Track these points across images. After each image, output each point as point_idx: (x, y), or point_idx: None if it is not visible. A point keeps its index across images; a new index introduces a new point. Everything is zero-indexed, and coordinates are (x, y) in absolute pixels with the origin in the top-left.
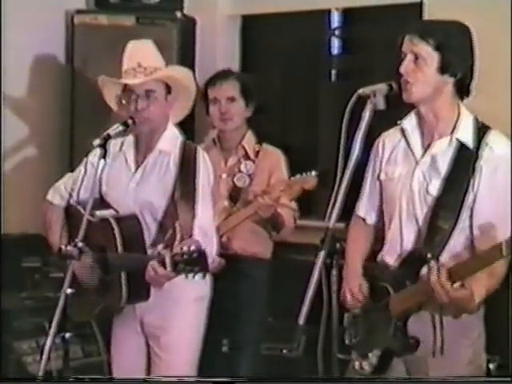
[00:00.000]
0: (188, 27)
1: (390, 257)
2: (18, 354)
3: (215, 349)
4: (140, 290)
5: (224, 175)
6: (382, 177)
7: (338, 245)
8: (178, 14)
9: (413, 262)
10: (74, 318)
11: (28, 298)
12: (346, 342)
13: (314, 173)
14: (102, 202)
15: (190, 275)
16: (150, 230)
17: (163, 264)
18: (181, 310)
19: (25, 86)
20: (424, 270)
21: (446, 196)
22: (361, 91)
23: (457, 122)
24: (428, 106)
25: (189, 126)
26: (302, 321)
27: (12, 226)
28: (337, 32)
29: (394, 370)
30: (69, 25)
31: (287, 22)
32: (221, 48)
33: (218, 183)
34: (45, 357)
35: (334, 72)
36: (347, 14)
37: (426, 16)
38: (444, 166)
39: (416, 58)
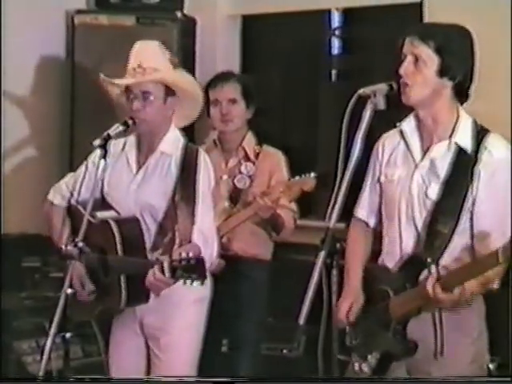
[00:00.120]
0: (188, 27)
1: (389, 260)
2: (18, 354)
3: (215, 349)
4: (139, 293)
5: (224, 176)
6: (382, 179)
7: (338, 245)
8: (178, 14)
9: (413, 265)
10: (74, 317)
11: (28, 297)
12: (347, 343)
13: (312, 174)
14: (103, 203)
15: (188, 281)
16: (150, 232)
17: (162, 270)
18: (180, 312)
19: (25, 86)
20: (424, 274)
21: (445, 200)
22: (361, 91)
23: (455, 125)
24: (427, 110)
25: (188, 127)
26: (302, 321)
27: (12, 225)
28: (337, 32)
29: (396, 371)
30: (69, 25)
31: (287, 21)
32: (221, 48)
33: (219, 184)
34: (45, 357)
35: (334, 72)
36: (347, 14)
37: (426, 16)
38: (443, 169)
39: (416, 60)
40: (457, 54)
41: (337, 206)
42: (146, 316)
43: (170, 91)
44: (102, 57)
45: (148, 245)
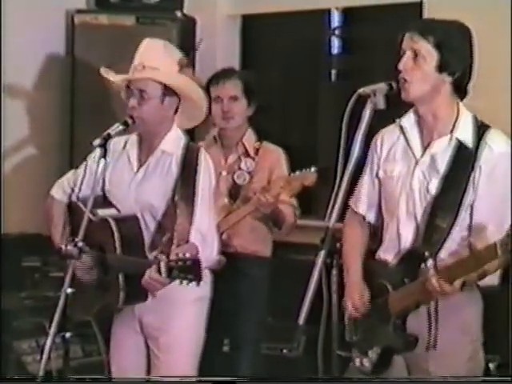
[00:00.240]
0: (188, 27)
1: (388, 254)
2: (17, 354)
3: (215, 348)
4: (138, 292)
5: (224, 173)
6: (381, 175)
7: (338, 244)
8: (178, 14)
9: (411, 259)
10: (74, 315)
11: (28, 297)
12: (347, 338)
13: (313, 169)
14: (104, 200)
15: (185, 282)
16: (149, 231)
17: (159, 270)
18: (180, 311)
19: (25, 85)
20: (422, 268)
21: (444, 195)
22: (361, 91)
23: (456, 121)
24: (426, 106)
25: None
26: (301, 321)
27: (12, 225)
28: (337, 32)
29: (394, 365)
30: (69, 24)
31: (287, 21)
32: (221, 48)
33: (218, 181)
34: (45, 356)
35: (333, 72)
36: (347, 13)
37: (426, 15)
38: (443, 164)
39: (415, 55)
40: (456, 49)
41: (336, 206)
42: (144, 315)
43: (168, 91)
44: (102, 56)
45: (147, 244)
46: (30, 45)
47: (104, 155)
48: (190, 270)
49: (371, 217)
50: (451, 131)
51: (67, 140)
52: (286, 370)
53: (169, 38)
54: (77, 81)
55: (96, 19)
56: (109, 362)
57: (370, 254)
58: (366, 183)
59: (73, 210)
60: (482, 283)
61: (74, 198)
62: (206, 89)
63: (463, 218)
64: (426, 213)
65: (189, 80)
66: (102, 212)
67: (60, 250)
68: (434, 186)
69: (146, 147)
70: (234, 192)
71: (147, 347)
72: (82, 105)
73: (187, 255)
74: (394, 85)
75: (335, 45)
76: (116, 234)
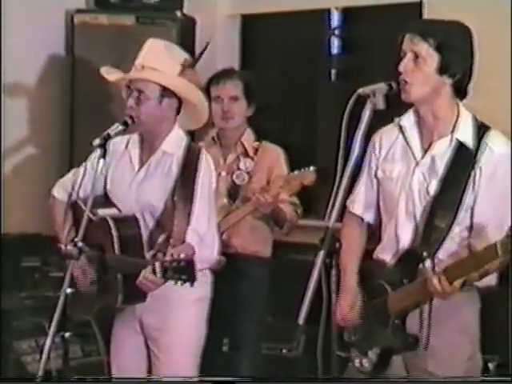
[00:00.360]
0: (188, 27)
1: (386, 254)
2: (17, 354)
3: (215, 348)
4: (136, 292)
5: (223, 173)
6: (380, 175)
7: (337, 244)
8: (178, 14)
9: (409, 259)
10: (73, 315)
11: (28, 297)
12: (345, 339)
13: (312, 168)
14: (106, 200)
15: (179, 282)
16: (149, 230)
17: (154, 270)
18: (180, 312)
19: (25, 85)
20: (420, 268)
21: (444, 195)
22: (360, 91)
23: (456, 121)
24: (427, 107)
25: None
26: (301, 320)
27: (12, 225)
28: (336, 31)
29: (392, 365)
30: (69, 24)
31: (287, 21)
32: (221, 48)
33: (218, 181)
34: (44, 356)
35: (333, 71)
36: (347, 13)
37: (426, 15)
38: (443, 165)
39: (416, 57)
40: (457, 51)
41: (336, 206)
42: (144, 315)
43: (167, 93)
44: (101, 56)
45: (146, 244)
46: (29, 45)
47: (103, 155)
48: (183, 270)
49: (369, 217)
50: (452, 132)
51: (67, 140)
52: (286, 369)
53: (169, 38)
54: (77, 81)
55: (96, 19)
56: (108, 362)
57: (369, 254)
58: (363, 184)
59: (75, 210)
60: (480, 283)
61: (74, 198)
62: (206, 89)
63: (462, 218)
64: (425, 212)
65: (187, 83)
66: (103, 212)
67: (60, 250)
68: (433, 187)
69: (148, 147)
70: (234, 192)
71: (147, 348)
72: (81, 105)
73: (181, 256)
74: (394, 85)
75: (335, 45)
76: (115, 234)
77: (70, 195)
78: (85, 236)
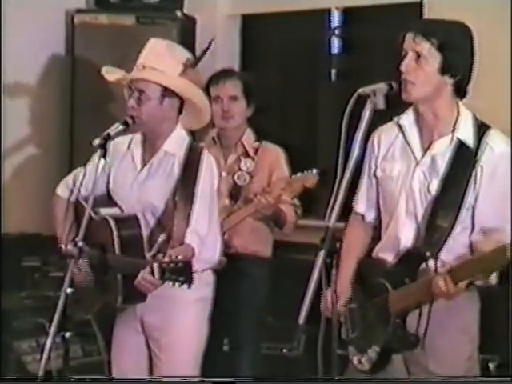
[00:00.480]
0: (188, 27)
1: (387, 254)
2: (17, 354)
3: (216, 348)
4: (136, 292)
5: (224, 173)
6: (379, 174)
7: (338, 244)
8: (178, 14)
9: (411, 259)
10: (74, 315)
11: (28, 297)
12: (343, 336)
13: (315, 171)
14: (109, 199)
15: (177, 284)
16: (150, 230)
17: (152, 271)
18: (181, 312)
19: (25, 85)
20: (422, 268)
21: (445, 194)
22: (361, 91)
23: (457, 120)
24: (427, 106)
25: None
26: (301, 320)
27: (12, 225)
28: (337, 31)
29: (392, 364)
30: (69, 24)
31: (287, 21)
32: (221, 47)
33: (218, 182)
34: (45, 356)
35: (333, 71)
36: (347, 13)
37: (426, 15)
38: (444, 164)
39: (418, 56)
40: (458, 51)
41: (336, 206)
42: (146, 315)
43: (168, 93)
44: (101, 56)
45: (147, 244)
46: (29, 45)
47: (104, 155)
48: (181, 272)
49: (371, 216)
50: (452, 131)
51: (67, 140)
52: (286, 369)
53: (169, 38)
54: (77, 81)
55: (96, 19)
56: (109, 362)
57: (367, 252)
58: (364, 182)
59: (77, 209)
60: (480, 283)
61: (76, 197)
62: (206, 89)
63: (464, 217)
64: (426, 213)
65: (189, 83)
66: (105, 211)
67: (60, 250)
68: (434, 186)
69: (150, 147)
70: (235, 193)
71: (149, 348)
72: (81, 104)
73: (179, 257)
74: (394, 85)
75: (335, 45)
76: (115, 234)
77: (72, 193)
78: (86, 235)
